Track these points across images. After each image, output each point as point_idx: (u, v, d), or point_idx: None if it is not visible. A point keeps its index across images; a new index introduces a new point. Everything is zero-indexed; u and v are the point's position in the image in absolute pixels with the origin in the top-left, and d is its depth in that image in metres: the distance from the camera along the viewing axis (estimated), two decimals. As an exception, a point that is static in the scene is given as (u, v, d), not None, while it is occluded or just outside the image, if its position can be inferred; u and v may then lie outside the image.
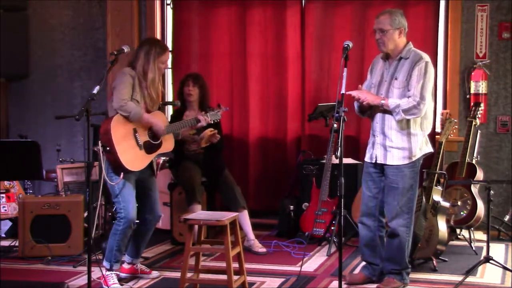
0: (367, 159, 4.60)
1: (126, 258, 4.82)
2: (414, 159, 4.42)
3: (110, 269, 4.62)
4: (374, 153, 4.51)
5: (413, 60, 4.40)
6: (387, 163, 4.45)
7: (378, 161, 4.49)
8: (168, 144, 4.80)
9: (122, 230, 4.56)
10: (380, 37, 4.43)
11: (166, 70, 7.07)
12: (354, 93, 4.43)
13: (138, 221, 4.74)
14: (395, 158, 4.43)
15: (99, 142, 4.46)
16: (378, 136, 4.49)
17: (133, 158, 4.55)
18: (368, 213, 4.61)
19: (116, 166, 4.49)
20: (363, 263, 4.78)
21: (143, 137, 4.63)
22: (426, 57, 4.43)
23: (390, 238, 4.53)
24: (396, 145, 4.42)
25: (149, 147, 4.66)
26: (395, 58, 4.47)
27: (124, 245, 4.65)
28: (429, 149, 4.53)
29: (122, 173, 4.51)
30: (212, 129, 5.57)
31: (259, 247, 5.60)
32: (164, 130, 4.69)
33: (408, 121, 4.38)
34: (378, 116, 4.48)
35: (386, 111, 4.41)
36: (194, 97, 5.68)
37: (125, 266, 4.85)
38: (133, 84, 4.55)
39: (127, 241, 4.67)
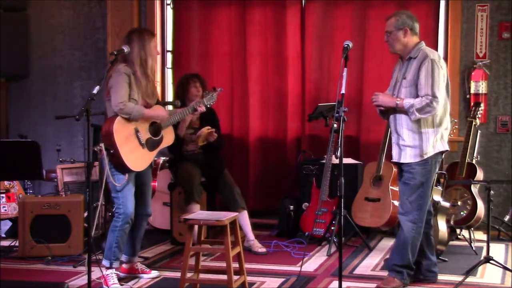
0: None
1: (123, 257, 4.81)
2: (425, 156, 4.44)
3: (110, 267, 4.61)
4: (393, 152, 4.61)
5: (420, 59, 4.43)
6: (401, 161, 4.52)
7: (395, 160, 4.59)
8: (168, 138, 4.82)
9: (121, 226, 4.56)
10: (387, 38, 4.53)
11: (166, 70, 7.08)
12: (372, 98, 4.55)
13: None
14: (407, 156, 4.48)
15: (102, 145, 4.46)
16: (394, 135, 4.58)
17: (137, 158, 4.56)
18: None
19: (120, 167, 4.51)
20: None
21: (145, 135, 4.63)
22: (433, 54, 4.45)
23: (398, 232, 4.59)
24: (408, 144, 4.47)
25: (151, 144, 4.67)
26: (406, 58, 4.53)
27: (123, 242, 4.64)
28: (444, 147, 4.52)
29: (126, 174, 4.53)
30: (209, 127, 5.58)
31: (259, 247, 5.59)
32: (168, 118, 4.73)
33: (418, 119, 4.41)
34: (391, 116, 4.56)
35: (398, 110, 4.46)
36: (199, 98, 5.67)
37: (125, 266, 4.85)
38: (130, 83, 4.53)
39: (126, 238, 4.67)
